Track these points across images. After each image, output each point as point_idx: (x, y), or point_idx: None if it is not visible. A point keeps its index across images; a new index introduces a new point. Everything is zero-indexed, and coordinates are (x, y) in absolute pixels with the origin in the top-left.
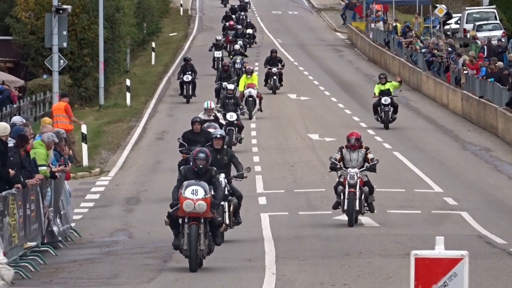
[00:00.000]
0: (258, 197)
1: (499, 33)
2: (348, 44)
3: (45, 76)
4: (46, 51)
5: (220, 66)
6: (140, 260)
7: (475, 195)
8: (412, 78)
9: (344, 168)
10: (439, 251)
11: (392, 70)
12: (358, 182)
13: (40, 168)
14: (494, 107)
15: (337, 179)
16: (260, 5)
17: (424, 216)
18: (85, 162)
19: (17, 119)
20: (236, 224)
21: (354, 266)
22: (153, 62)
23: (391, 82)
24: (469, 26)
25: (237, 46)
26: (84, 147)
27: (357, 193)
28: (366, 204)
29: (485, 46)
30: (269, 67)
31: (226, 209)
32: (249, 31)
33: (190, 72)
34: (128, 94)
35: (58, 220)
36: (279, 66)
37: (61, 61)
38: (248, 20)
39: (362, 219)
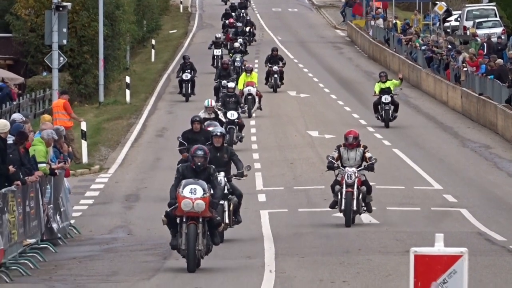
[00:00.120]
0: (257, 194)
1: (499, 30)
2: (348, 41)
3: (44, 73)
4: (46, 48)
5: (219, 64)
6: (139, 257)
7: (474, 192)
8: (412, 75)
9: (341, 167)
10: (439, 248)
11: (392, 67)
12: (356, 181)
13: (39, 165)
14: (494, 104)
15: (335, 178)
16: (260, 2)
17: (424, 213)
18: (85, 159)
19: (17, 116)
20: (236, 223)
21: (353, 263)
22: (153, 59)
23: (391, 80)
24: (469, 23)
25: (236, 44)
26: (84, 144)
27: (355, 193)
28: (363, 204)
29: (485, 43)
30: (269, 65)
31: (226, 208)
32: (248, 29)
33: (189, 71)
34: (127, 91)
35: (57, 217)
36: (280, 64)
37: (61, 58)
38: (248, 18)
39: (362, 216)
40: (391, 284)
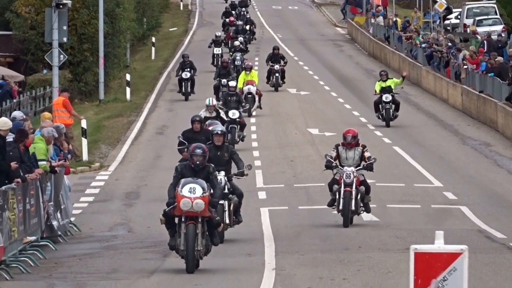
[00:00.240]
0: (258, 192)
1: (499, 28)
2: (348, 39)
3: (45, 71)
4: (46, 46)
5: (219, 62)
6: (139, 254)
7: (474, 190)
8: (412, 73)
9: (340, 167)
10: (439, 245)
11: (392, 65)
12: (355, 181)
13: (40, 163)
14: (494, 101)
15: (333, 177)
16: (260, 0)
17: (424, 210)
18: (85, 156)
19: (17, 113)
20: (237, 223)
21: (353, 261)
22: (153, 57)
23: (392, 79)
24: (469, 21)
25: (236, 43)
26: (84, 141)
27: (353, 193)
28: (362, 205)
29: (485, 41)
30: (271, 64)
31: (226, 208)
32: (248, 27)
33: (188, 69)
34: (128, 89)
35: (58, 215)
36: (282, 63)
37: (61, 56)
38: (248, 16)
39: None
40: (391, 282)
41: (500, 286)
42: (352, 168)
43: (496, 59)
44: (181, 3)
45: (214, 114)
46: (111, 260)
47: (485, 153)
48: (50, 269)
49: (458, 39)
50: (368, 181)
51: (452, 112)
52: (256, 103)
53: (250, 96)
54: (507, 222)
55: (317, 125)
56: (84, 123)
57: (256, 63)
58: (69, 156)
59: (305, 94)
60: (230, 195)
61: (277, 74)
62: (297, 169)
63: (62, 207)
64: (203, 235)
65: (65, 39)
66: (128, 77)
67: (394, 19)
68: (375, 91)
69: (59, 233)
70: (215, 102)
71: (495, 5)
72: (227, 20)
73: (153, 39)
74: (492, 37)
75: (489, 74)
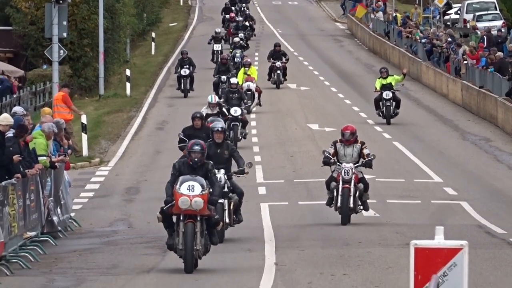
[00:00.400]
0: (258, 187)
1: (499, 23)
2: (348, 34)
3: (45, 66)
4: (46, 41)
5: (219, 59)
6: (139, 250)
7: (474, 185)
8: (412, 68)
9: (338, 163)
10: (439, 241)
11: (392, 60)
12: (353, 178)
13: (40, 158)
14: (494, 97)
15: (331, 174)
16: None
17: (424, 206)
18: (85, 152)
19: (18, 109)
20: (237, 222)
21: (353, 256)
22: (153, 52)
23: (393, 76)
24: (469, 16)
25: (236, 39)
26: (84, 137)
27: (352, 190)
28: (360, 203)
29: (485, 36)
30: (272, 61)
31: (226, 207)
32: (247, 23)
33: (188, 66)
34: (128, 84)
35: (58, 210)
36: (283, 60)
37: (61, 51)
38: (247, 12)
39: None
40: (391, 277)
41: (500, 281)
42: (351, 164)
43: (496, 54)
44: None
45: (216, 111)
46: (111, 255)
47: (485, 149)
48: (50, 264)
49: (458, 35)
50: (368, 176)
51: (452, 108)
52: (256, 100)
53: (250, 93)
54: (507, 218)
55: (317, 121)
56: (84, 119)
57: (256, 58)
58: (69, 151)
59: (305, 89)
60: (230, 194)
61: (278, 71)
62: (297, 165)
63: (62, 202)
64: (202, 234)
65: (65, 34)
66: (128, 72)
67: (394, 14)
68: (376, 88)
69: (59, 228)
70: (217, 99)
71: (494, 0)
72: (227, 16)
73: (153, 34)
74: (492, 32)
75: (489, 69)
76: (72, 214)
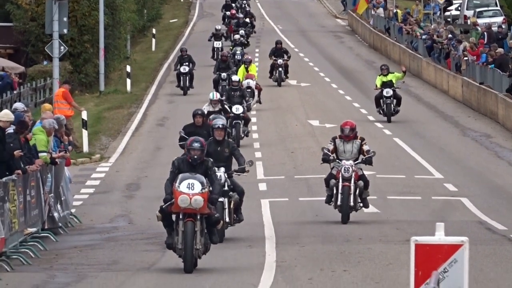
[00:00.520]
0: (258, 183)
1: (499, 19)
2: (349, 31)
3: (45, 63)
4: (47, 38)
5: (219, 56)
6: (140, 246)
7: (475, 181)
8: (413, 64)
9: (337, 160)
10: (439, 237)
11: (393, 57)
12: (353, 175)
13: (40, 154)
14: (495, 93)
15: (330, 171)
16: None
17: (424, 202)
18: (86, 148)
19: (19, 105)
20: (238, 221)
21: (354, 252)
22: (153, 49)
23: (393, 73)
24: (469, 13)
25: (237, 36)
26: (85, 133)
27: (352, 188)
28: (360, 200)
29: (485, 33)
30: (274, 58)
31: (226, 206)
32: (247, 20)
33: (187, 63)
34: (128, 80)
35: (58, 206)
36: (285, 57)
37: (62, 47)
38: (247, 9)
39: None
40: (391, 273)
41: (500, 277)
42: (351, 162)
43: (496, 51)
44: None
45: (218, 108)
46: (111, 251)
47: (485, 145)
48: (51, 260)
49: (459, 31)
50: (369, 172)
51: (452, 104)
52: (256, 98)
53: (250, 90)
54: (507, 214)
55: (317, 117)
56: (84, 115)
57: (257, 55)
58: (69, 147)
59: (306, 85)
60: (231, 193)
61: (280, 69)
62: (298, 161)
63: (62, 198)
64: (202, 233)
65: (65, 31)
66: (128, 68)
67: (395, 10)
68: (376, 86)
69: (60, 224)
70: (218, 96)
71: None
72: (228, 13)
73: (154, 31)
74: (493, 28)
75: (490, 66)
76: (73, 210)
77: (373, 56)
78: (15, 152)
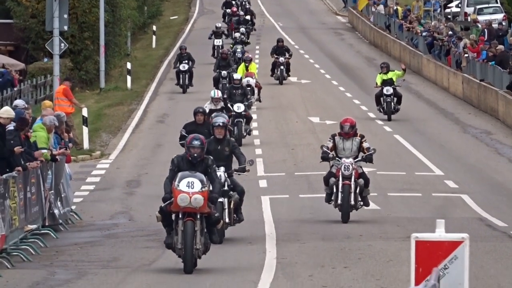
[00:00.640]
0: (258, 180)
1: (499, 16)
2: (349, 28)
3: (45, 60)
4: (47, 34)
5: (219, 54)
6: (140, 243)
7: (475, 178)
8: (413, 61)
9: (337, 158)
10: (440, 234)
11: (393, 54)
12: (353, 173)
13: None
14: (495, 90)
15: (329, 170)
16: None
17: (425, 199)
18: (86, 145)
19: (19, 102)
20: (238, 221)
21: (354, 249)
22: (153, 45)
23: (393, 71)
24: (469, 10)
25: (237, 34)
26: (85, 130)
27: (352, 186)
28: (360, 199)
29: (485, 30)
30: (276, 56)
31: (226, 206)
32: (248, 17)
33: (186, 61)
34: (128, 77)
35: (58, 203)
36: (287, 55)
37: (62, 44)
38: (248, 7)
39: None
40: (392, 270)
41: (501, 274)
42: (351, 160)
43: (497, 48)
44: None
45: (219, 106)
46: (112, 248)
47: (486, 142)
48: (51, 257)
49: (459, 28)
50: (369, 169)
51: (453, 101)
52: (255, 96)
53: (249, 88)
54: (508, 211)
55: (318, 114)
56: (85, 112)
57: (257, 52)
58: (70, 144)
59: (306, 82)
60: (231, 192)
61: (282, 67)
62: (298, 158)
63: (62, 195)
64: (202, 233)
65: (66, 28)
66: (128, 65)
67: (395, 7)
68: (376, 84)
69: (60, 221)
70: (220, 94)
71: None
72: (228, 10)
73: (154, 28)
74: (493, 25)
75: (490, 63)
76: (73, 207)
77: (373, 53)
78: (15, 149)
